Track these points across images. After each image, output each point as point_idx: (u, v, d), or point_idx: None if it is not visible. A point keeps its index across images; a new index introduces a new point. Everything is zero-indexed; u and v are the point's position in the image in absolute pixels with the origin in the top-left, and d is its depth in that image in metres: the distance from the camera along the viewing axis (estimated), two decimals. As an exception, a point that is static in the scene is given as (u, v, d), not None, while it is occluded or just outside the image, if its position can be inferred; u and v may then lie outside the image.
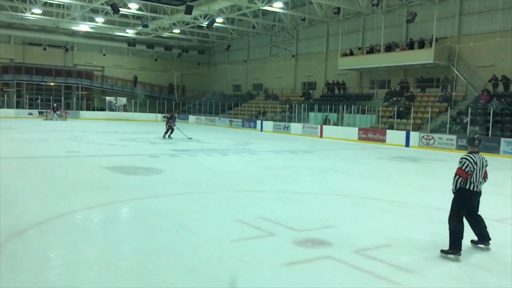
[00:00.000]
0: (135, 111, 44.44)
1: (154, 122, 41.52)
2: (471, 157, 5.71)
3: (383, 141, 24.41)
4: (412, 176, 12.79)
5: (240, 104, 41.45)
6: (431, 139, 22.23)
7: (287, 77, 40.36)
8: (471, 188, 5.65)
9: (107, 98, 45.19)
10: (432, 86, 28.81)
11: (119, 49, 47.11)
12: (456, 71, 26.19)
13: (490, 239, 5.73)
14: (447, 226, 5.41)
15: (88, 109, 44.24)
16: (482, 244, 5.77)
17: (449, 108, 23.93)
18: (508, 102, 22.59)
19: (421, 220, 7.33)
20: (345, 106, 29.49)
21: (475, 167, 5.62)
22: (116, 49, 46.95)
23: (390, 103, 28.49)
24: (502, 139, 19.68)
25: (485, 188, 11.15)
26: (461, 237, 5.41)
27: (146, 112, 44.21)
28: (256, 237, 5.89)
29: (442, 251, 5.43)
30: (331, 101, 32.59)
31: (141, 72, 48.16)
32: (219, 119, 39.54)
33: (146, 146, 18.51)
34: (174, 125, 21.97)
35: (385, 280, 4.56)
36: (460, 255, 5.32)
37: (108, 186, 9.13)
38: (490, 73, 24.71)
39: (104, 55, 46.53)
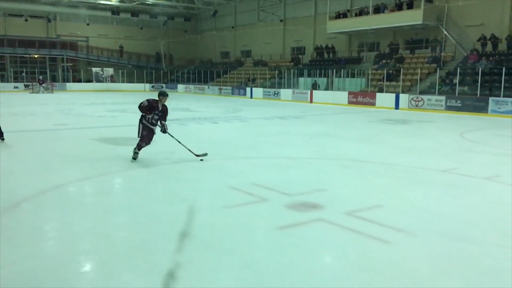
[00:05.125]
0: (122, 81, 43.85)
1: (143, 92, 41.06)
2: None
3: (373, 104, 24.47)
4: (402, 138, 12.91)
5: (229, 72, 41.03)
6: (420, 100, 22.32)
7: (275, 43, 39.86)
8: None
9: (93, 69, 44.44)
10: (421, 47, 28.70)
11: (103, 18, 46.00)
12: (445, 31, 26.04)
13: None
14: (435, 185, 5.40)
15: (74, 80, 43.53)
16: None
17: (438, 69, 23.94)
18: (497, 61, 22.61)
19: (411, 181, 7.44)
20: (334, 71, 29.35)
21: None
22: (100, 18, 45.83)
23: (379, 66, 28.39)
24: (491, 99, 19.83)
25: (473, 146, 11.36)
26: None
27: (134, 82, 43.65)
28: (249, 203, 5.96)
29: None
30: (320, 65, 32.37)
31: (126, 42, 47.22)
32: (208, 88, 39.21)
33: (135, 116, 18.30)
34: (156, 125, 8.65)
35: (375, 239, 4.67)
36: None
37: (99, 157, 9.11)
38: (479, 33, 24.63)
39: (88, 24, 45.41)
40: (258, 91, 33.27)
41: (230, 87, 36.87)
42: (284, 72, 33.03)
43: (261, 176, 7.52)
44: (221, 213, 5.53)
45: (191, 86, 41.61)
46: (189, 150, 8.76)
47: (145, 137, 8.47)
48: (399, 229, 4.97)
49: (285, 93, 30.70)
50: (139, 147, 8.55)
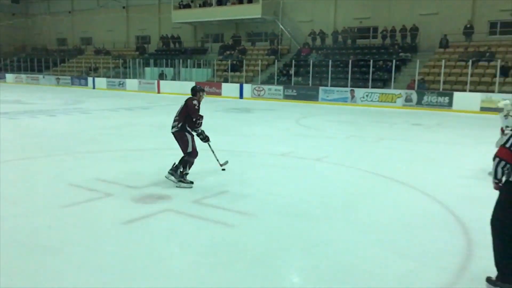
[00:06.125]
0: None
1: (-40, 83, 35.42)
2: None
3: (219, 94, 25.20)
4: (246, 126, 13.61)
5: (67, 60, 37.90)
6: (262, 90, 23.76)
7: (119, 30, 38.09)
8: None
9: None
10: (261, 40, 30.44)
11: None
12: (281, 26, 28.05)
13: None
14: (275, 168, 5.78)
15: None
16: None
17: (276, 61, 25.73)
18: (325, 54, 25.24)
19: (253, 165, 7.93)
20: (181, 61, 29.34)
21: None
22: None
23: (224, 57, 29.29)
24: (320, 88, 22.12)
25: (307, 131, 12.52)
26: None
27: None
28: (92, 200, 5.67)
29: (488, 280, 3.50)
30: (166, 55, 32.03)
31: None
32: (43, 77, 35.67)
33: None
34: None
35: (221, 224, 4.88)
36: None
37: None
38: (310, 28, 27.14)
39: None
40: (101, 81, 31.48)
41: (70, 77, 34.14)
42: (129, 61, 31.83)
43: (105, 171, 7.20)
44: (59, 214, 5.15)
45: (23, 76, 37.32)
46: (217, 160, 7.00)
47: (195, 150, 6.36)
48: (243, 212, 5.27)
49: (131, 83, 29.66)
50: (189, 164, 6.38)
